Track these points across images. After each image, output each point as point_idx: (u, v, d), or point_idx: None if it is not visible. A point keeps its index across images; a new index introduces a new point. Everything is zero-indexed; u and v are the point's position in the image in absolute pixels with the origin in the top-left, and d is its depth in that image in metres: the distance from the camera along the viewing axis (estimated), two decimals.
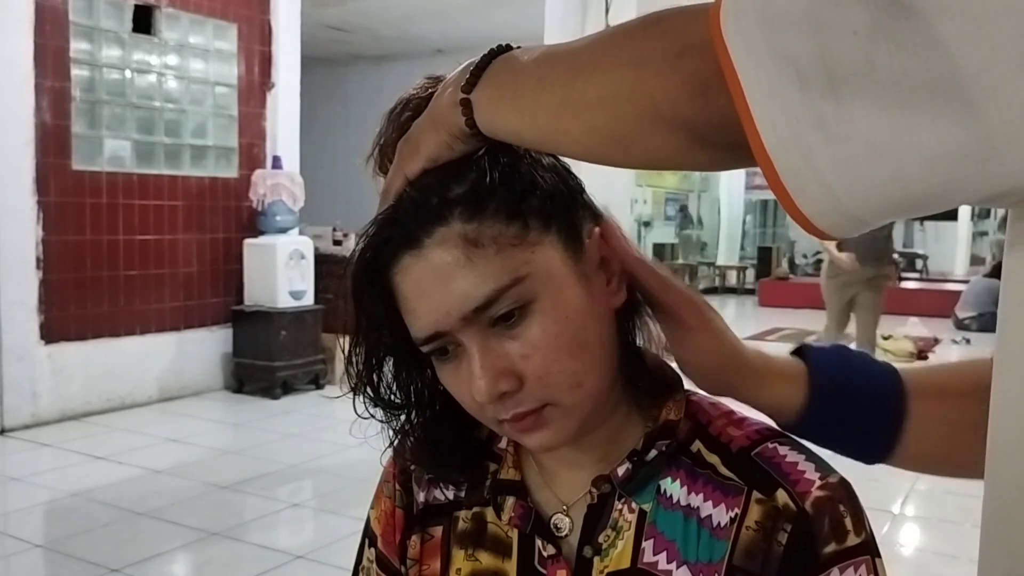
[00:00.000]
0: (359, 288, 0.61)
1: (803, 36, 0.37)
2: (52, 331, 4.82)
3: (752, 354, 0.65)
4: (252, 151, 5.84)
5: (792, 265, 15.04)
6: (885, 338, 7.44)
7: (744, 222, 16.74)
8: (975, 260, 16.21)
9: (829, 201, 0.38)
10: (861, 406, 0.64)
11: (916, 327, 8.13)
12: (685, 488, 0.64)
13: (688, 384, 0.69)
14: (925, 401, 0.63)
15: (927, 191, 0.37)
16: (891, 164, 0.36)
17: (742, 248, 16.37)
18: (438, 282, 0.58)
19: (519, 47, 0.57)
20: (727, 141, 0.41)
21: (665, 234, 14.46)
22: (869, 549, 0.60)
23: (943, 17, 0.33)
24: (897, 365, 0.66)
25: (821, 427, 0.64)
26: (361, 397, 0.65)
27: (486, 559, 0.69)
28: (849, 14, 0.36)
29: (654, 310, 0.66)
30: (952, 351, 7.79)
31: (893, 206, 0.38)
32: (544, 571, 0.66)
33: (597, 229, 0.64)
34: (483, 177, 0.59)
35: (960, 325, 9.34)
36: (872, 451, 0.65)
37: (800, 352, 0.67)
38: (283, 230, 5.70)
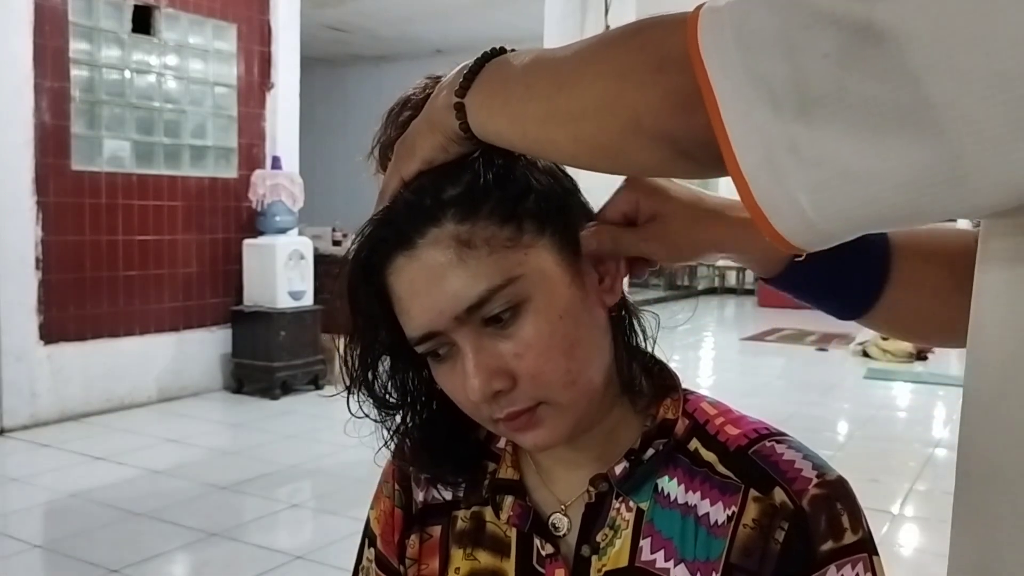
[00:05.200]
0: (354, 288, 0.62)
1: (776, 58, 0.37)
2: (51, 331, 4.82)
3: (736, 208, 0.63)
4: (251, 151, 5.84)
5: None
6: (884, 338, 7.44)
7: None
8: None
9: (803, 223, 0.39)
10: (848, 255, 0.62)
11: None
12: (683, 486, 0.64)
13: (685, 384, 0.69)
14: (911, 261, 0.63)
15: (898, 213, 0.37)
16: (863, 188, 0.36)
17: None
18: (431, 282, 0.58)
19: (512, 50, 0.58)
20: (710, 155, 0.41)
21: None
22: (866, 547, 0.60)
23: (914, 46, 0.33)
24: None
25: (806, 275, 0.64)
26: (356, 396, 0.66)
27: (485, 558, 0.69)
28: (820, 38, 0.36)
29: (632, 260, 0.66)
30: (951, 351, 7.79)
31: (866, 226, 0.39)
32: (542, 570, 0.66)
33: (585, 230, 0.64)
34: (477, 179, 0.59)
35: None
36: (852, 304, 0.65)
37: None
38: (282, 230, 5.69)
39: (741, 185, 0.40)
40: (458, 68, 0.59)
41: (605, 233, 0.63)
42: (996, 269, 0.40)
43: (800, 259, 0.63)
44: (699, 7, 0.42)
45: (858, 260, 0.63)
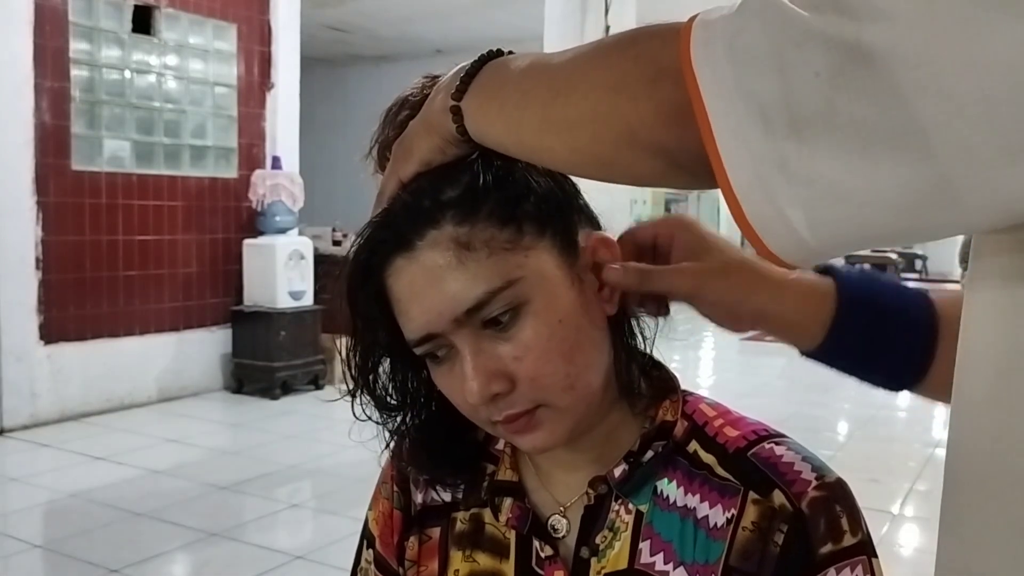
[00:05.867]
0: (354, 290, 0.61)
1: (767, 75, 0.37)
2: (51, 331, 4.82)
3: (769, 268, 0.61)
4: (251, 151, 5.83)
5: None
6: None
7: None
8: None
9: (794, 241, 0.39)
10: (892, 325, 0.61)
11: None
12: (682, 489, 0.64)
13: (685, 384, 0.69)
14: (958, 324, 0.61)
15: (889, 232, 0.37)
16: (853, 208, 0.36)
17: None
18: (429, 284, 0.58)
19: (510, 52, 0.57)
20: (704, 168, 0.41)
21: None
22: (866, 549, 0.60)
23: (903, 68, 0.33)
24: (928, 289, 0.63)
25: (849, 347, 0.62)
26: (359, 399, 0.65)
27: (484, 560, 0.69)
28: (811, 56, 0.35)
29: (657, 301, 0.66)
30: None
31: (857, 244, 0.39)
32: (542, 572, 0.66)
33: (592, 234, 0.64)
34: (476, 181, 0.59)
35: None
36: (901, 376, 0.62)
37: (827, 270, 0.64)
38: (282, 230, 5.69)
39: (732, 201, 0.39)
40: (455, 70, 0.58)
41: (634, 274, 0.62)
42: (988, 284, 0.40)
43: (840, 322, 0.61)
44: (693, 19, 0.42)
45: (905, 324, 0.61)
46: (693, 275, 0.62)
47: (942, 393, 0.61)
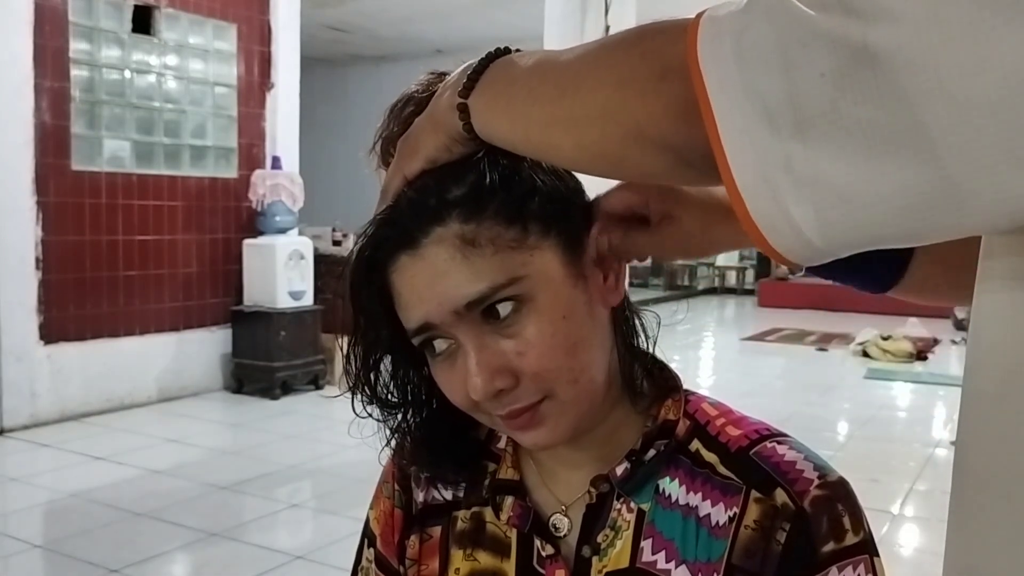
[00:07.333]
0: (357, 287, 0.61)
1: (773, 74, 0.37)
2: (51, 331, 4.82)
3: None
4: (251, 151, 5.83)
5: None
6: (884, 338, 7.44)
7: None
8: None
9: (798, 240, 0.39)
10: None
11: (915, 327, 8.12)
12: (684, 487, 0.64)
13: (684, 384, 0.69)
14: None
15: (893, 233, 0.37)
16: (857, 209, 0.36)
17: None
18: (433, 278, 0.58)
19: (517, 50, 0.57)
20: (711, 165, 0.41)
21: None
22: (867, 548, 0.60)
23: (908, 71, 0.33)
24: None
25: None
26: (359, 396, 0.65)
27: (485, 559, 0.69)
28: (816, 56, 0.35)
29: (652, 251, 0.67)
30: (951, 351, 7.80)
31: (862, 244, 0.39)
32: (543, 571, 0.66)
33: (595, 229, 0.64)
34: (482, 179, 0.59)
35: (959, 325, 9.32)
36: (878, 280, 0.64)
37: None
38: (282, 230, 5.69)
39: (737, 200, 0.40)
40: (462, 68, 0.58)
41: (618, 234, 0.63)
42: (999, 284, 0.40)
43: None
44: (700, 15, 0.42)
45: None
46: (681, 243, 0.64)
47: (924, 291, 0.66)
